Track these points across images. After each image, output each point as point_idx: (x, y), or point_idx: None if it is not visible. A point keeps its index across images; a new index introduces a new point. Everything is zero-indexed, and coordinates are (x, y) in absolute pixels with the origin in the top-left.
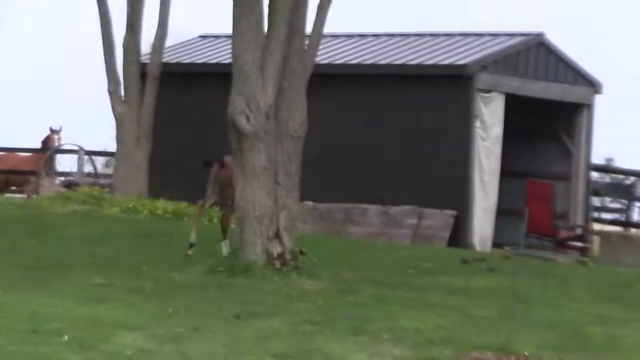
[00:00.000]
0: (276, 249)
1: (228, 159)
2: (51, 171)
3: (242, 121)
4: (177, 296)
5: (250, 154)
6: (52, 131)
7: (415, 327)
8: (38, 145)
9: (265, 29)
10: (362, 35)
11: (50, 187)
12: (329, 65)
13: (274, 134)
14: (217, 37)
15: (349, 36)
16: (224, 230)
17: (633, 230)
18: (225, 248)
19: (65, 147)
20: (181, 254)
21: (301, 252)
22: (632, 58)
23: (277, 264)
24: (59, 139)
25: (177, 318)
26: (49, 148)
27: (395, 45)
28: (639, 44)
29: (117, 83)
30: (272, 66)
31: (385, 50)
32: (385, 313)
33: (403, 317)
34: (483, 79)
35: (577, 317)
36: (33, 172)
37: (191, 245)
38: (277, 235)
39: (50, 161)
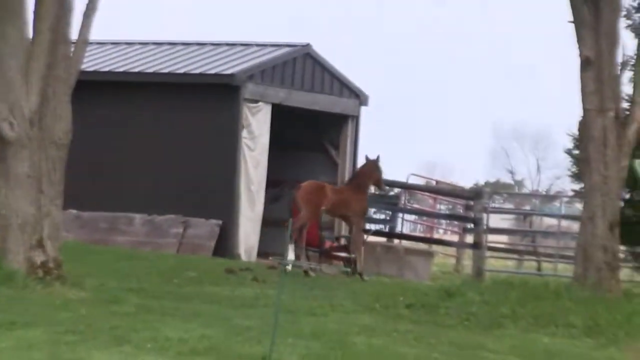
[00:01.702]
0: (39, 258)
1: (304, 183)
2: None
3: (5, 128)
4: None
5: (13, 161)
6: None
7: (179, 337)
8: None
9: (30, 35)
10: (130, 43)
11: None
12: (95, 72)
13: (38, 141)
14: None
15: (115, 44)
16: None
17: (396, 241)
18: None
19: None
20: None
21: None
22: (396, 72)
23: (40, 272)
24: None
25: None
26: None
27: (164, 54)
28: (404, 59)
29: None
30: (37, 72)
31: (153, 58)
32: (150, 323)
33: (167, 327)
34: (250, 89)
35: (341, 327)
36: None
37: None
38: (40, 244)
39: None
